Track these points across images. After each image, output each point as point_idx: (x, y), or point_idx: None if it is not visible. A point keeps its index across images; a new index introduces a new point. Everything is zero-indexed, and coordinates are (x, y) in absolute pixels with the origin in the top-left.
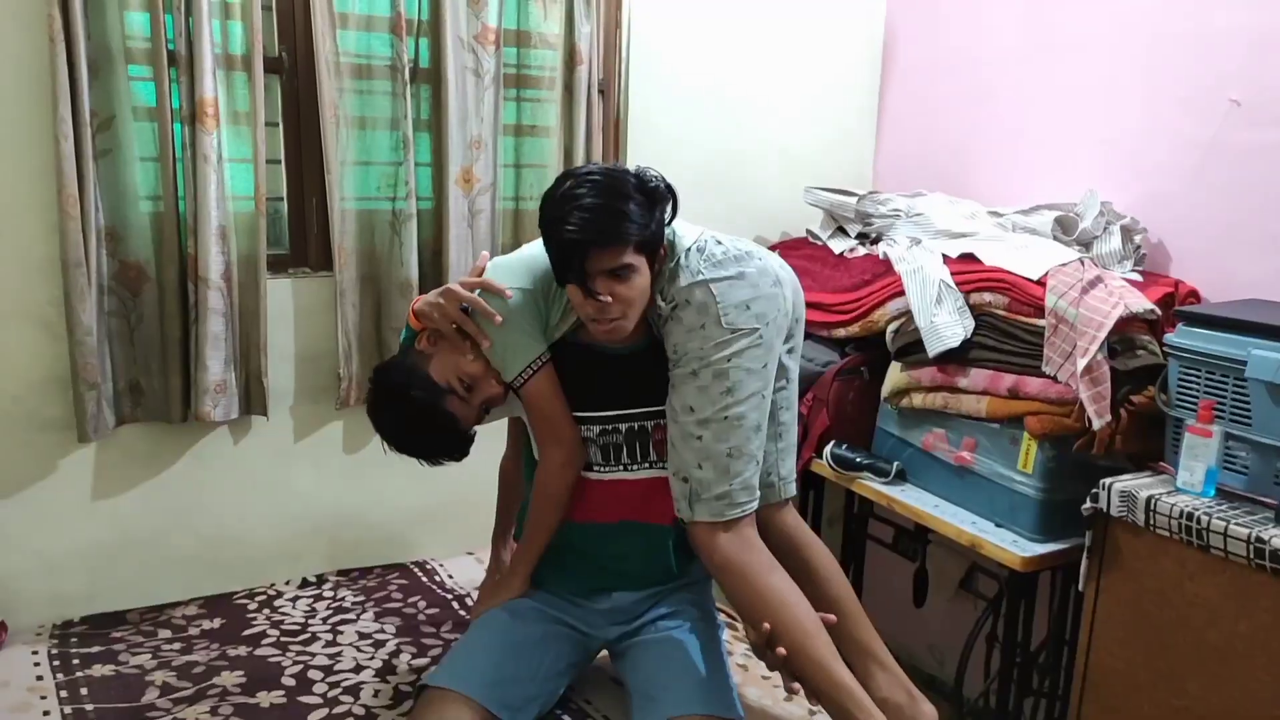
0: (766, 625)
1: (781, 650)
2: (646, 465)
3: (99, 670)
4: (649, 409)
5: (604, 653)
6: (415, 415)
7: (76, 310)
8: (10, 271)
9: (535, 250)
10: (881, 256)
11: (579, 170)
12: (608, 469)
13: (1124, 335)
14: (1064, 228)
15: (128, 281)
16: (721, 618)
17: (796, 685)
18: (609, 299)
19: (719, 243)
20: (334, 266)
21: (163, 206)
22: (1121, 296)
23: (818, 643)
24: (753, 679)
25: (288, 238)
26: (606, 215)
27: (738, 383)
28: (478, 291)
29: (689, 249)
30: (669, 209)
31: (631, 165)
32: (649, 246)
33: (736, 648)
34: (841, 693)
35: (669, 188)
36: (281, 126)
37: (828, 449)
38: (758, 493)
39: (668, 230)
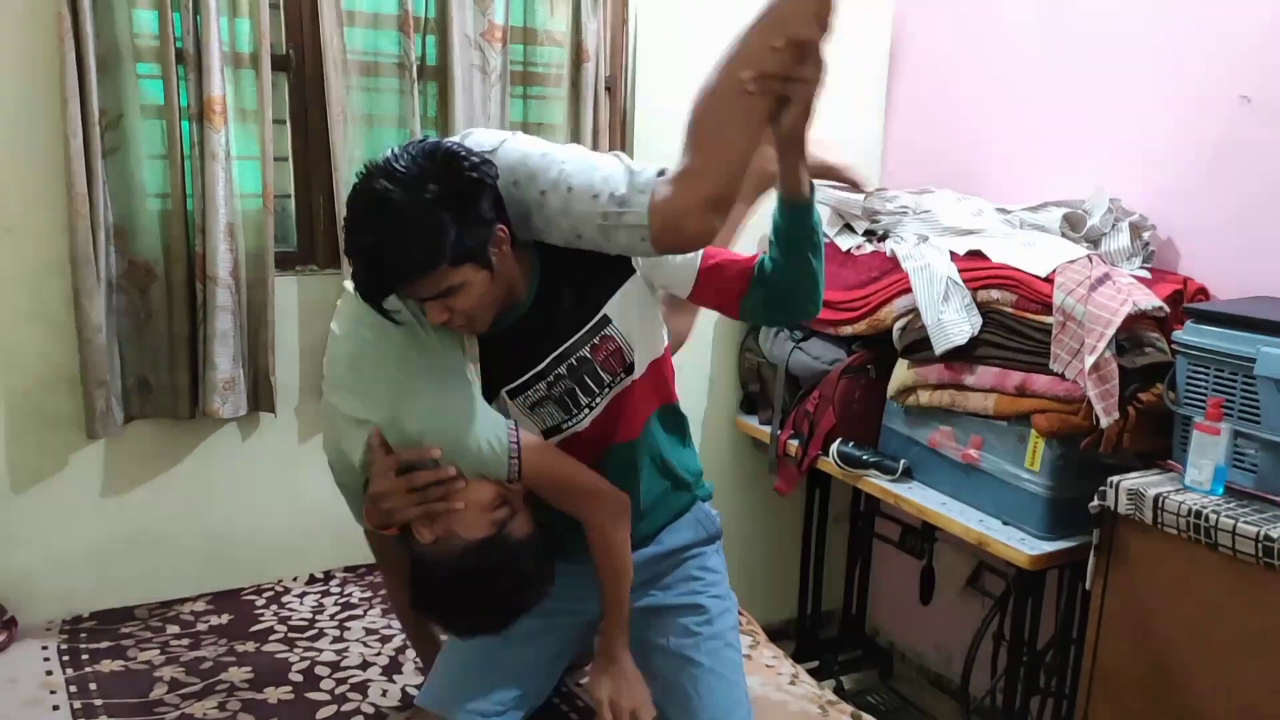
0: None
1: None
2: (606, 390)
3: (108, 666)
4: (577, 335)
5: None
6: (496, 580)
7: (86, 308)
8: (20, 269)
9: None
10: (888, 254)
11: (372, 181)
12: (577, 417)
13: (1132, 332)
14: (1072, 225)
15: (136, 279)
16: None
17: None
18: (445, 317)
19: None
20: (342, 264)
21: (171, 204)
22: (1130, 294)
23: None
24: (756, 668)
25: (295, 235)
26: (390, 255)
27: (549, 156)
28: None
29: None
30: (490, 194)
31: (456, 139)
32: (477, 256)
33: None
34: None
35: (486, 170)
36: (289, 124)
37: (834, 446)
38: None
39: (510, 169)
